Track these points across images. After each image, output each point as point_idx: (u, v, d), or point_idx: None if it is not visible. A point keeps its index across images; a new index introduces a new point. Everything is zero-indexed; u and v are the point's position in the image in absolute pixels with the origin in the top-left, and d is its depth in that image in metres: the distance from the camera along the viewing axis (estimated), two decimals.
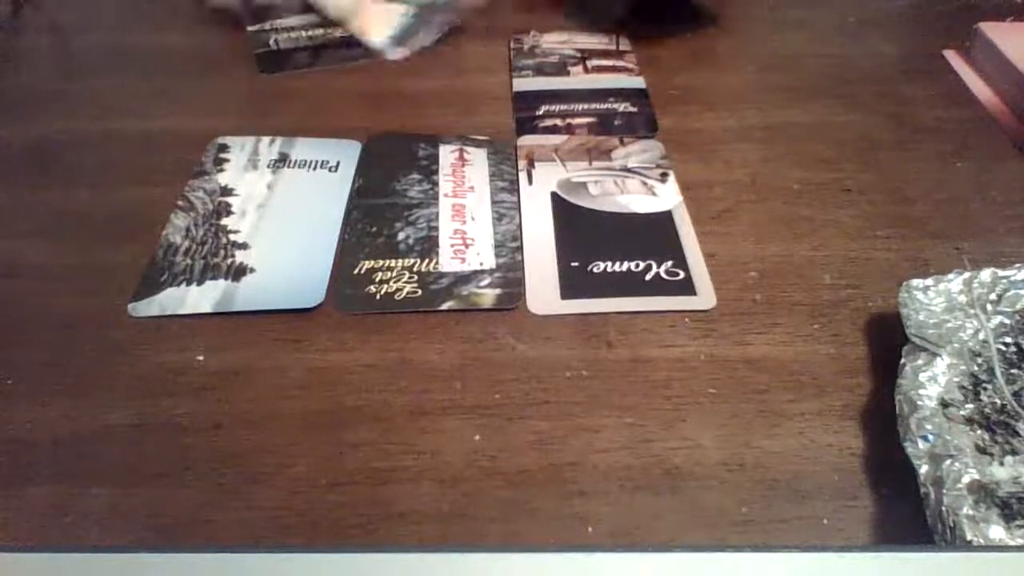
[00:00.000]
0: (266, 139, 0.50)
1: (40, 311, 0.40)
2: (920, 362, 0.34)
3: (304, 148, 0.49)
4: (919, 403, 0.33)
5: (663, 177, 0.47)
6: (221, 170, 0.48)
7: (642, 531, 0.31)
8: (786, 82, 0.55)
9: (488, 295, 0.40)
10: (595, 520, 0.32)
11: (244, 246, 0.43)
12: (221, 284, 0.40)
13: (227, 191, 0.46)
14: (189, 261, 0.41)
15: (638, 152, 0.49)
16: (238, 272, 0.41)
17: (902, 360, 0.35)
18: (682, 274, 0.41)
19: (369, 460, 0.34)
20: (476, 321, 0.39)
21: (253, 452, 0.34)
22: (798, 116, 0.52)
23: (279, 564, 0.24)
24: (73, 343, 0.38)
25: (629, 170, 0.48)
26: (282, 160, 0.48)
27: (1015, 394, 0.33)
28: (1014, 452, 0.31)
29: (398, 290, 0.40)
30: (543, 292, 0.41)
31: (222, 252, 0.42)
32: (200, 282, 0.41)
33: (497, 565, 0.24)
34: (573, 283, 0.41)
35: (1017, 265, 0.37)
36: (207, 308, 0.39)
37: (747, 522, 0.32)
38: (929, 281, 0.37)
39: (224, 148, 0.49)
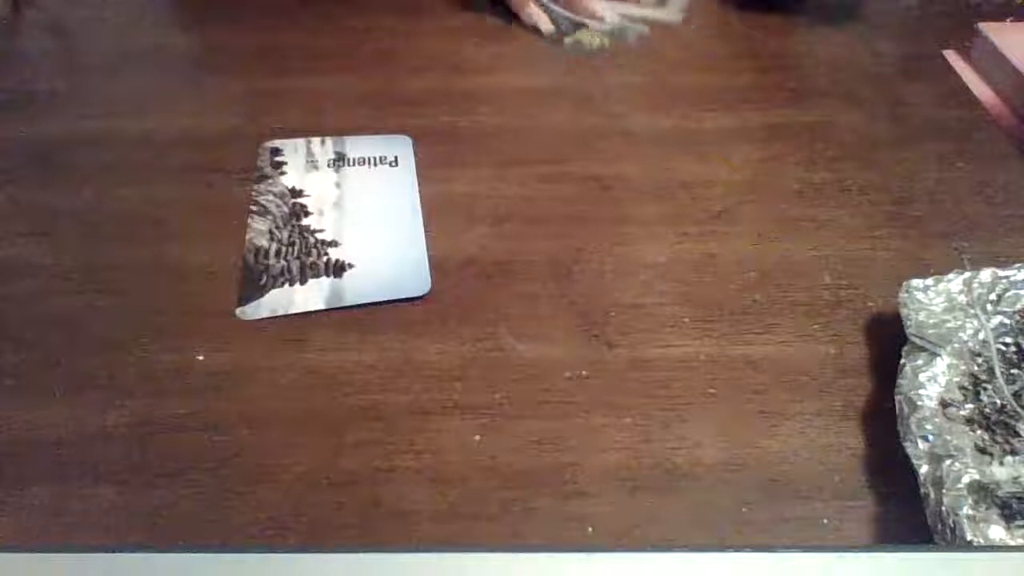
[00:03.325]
0: (316, 139, 0.50)
1: (40, 311, 0.40)
2: (920, 362, 0.34)
3: (357, 146, 0.50)
4: (919, 403, 0.33)
5: None
6: (282, 172, 0.48)
7: (642, 531, 0.31)
8: (786, 82, 0.55)
9: None
10: (595, 520, 0.32)
11: (334, 243, 0.43)
12: (325, 281, 0.41)
13: (297, 193, 0.46)
14: (284, 262, 0.42)
15: None
16: (338, 269, 0.42)
17: (902, 360, 0.35)
18: None
19: (369, 460, 0.34)
20: (476, 321, 0.39)
21: (253, 452, 0.34)
22: (798, 116, 0.52)
23: (279, 564, 0.24)
24: (73, 343, 0.38)
25: None
26: (340, 159, 0.49)
27: (1015, 394, 0.33)
28: (1014, 452, 0.31)
29: None
30: None
31: (314, 251, 0.43)
32: (303, 281, 0.41)
33: (497, 565, 0.24)
34: None
35: (1017, 265, 0.37)
36: (320, 305, 0.40)
37: (747, 522, 0.32)
38: (929, 281, 0.37)
39: (277, 151, 0.49)
